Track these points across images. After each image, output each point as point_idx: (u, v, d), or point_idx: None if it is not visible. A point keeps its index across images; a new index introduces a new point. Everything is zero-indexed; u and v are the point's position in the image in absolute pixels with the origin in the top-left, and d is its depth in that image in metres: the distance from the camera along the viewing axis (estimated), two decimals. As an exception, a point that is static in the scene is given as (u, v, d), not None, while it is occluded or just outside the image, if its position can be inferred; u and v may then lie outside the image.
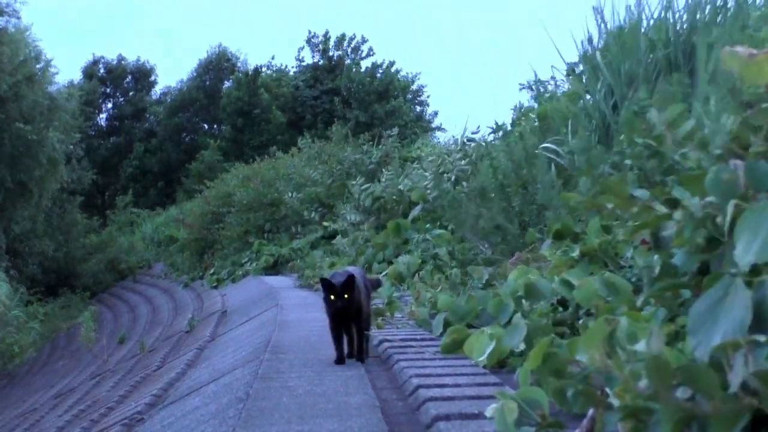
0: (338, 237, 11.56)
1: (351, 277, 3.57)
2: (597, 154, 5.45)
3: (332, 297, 3.55)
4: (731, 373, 1.23)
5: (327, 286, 3.58)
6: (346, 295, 3.55)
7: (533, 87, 9.21)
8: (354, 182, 12.21)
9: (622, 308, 1.88)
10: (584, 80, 7.39)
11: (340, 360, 3.67)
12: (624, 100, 6.16)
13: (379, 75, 36.15)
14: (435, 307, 4.97)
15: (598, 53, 6.63)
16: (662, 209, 1.75)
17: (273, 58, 47.27)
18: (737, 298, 1.31)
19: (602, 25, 7.18)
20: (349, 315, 3.62)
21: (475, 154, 10.15)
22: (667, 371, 1.29)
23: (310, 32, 38.44)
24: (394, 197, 11.05)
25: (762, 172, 1.43)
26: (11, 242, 23.18)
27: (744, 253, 1.33)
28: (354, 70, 36.71)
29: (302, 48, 38.89)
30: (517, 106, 9.41)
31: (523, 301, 3.47)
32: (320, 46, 37.95)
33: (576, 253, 3.64)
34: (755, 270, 1.37)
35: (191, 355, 6.07)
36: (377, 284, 4.85)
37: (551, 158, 6.42)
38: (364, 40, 38.40)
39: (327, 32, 38.26)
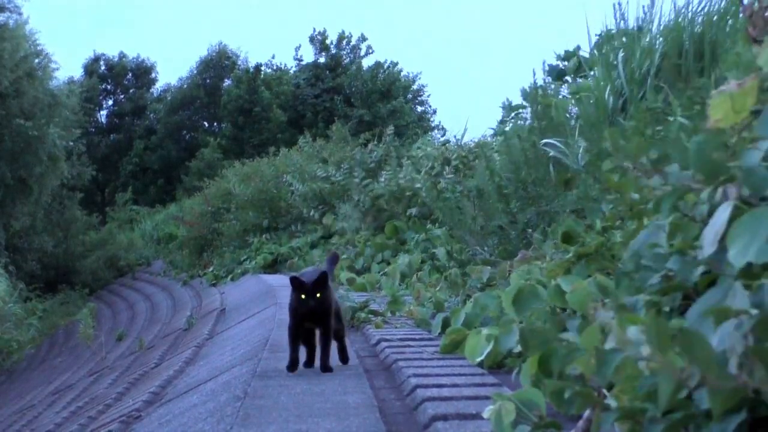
0: (336, 237, 11.57)
1: (324, 275, 3.33)
2: (605, 145, 5.43)
3: (302, 296, 3.33)
4: (730, 353, 1.24)
5: (297, 285, 3.35)
6: (318, 294, 3.31)
7: (532, 90, 9.21)
8: (355, 179, 12.20)
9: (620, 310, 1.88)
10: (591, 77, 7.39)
11: (294, 365, 3.39)
12: (633, 101, 6.17)
13: (381, 75, 36.14)
14: (435, 307, 4.98)
15: (620, 52, 6.62)
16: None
17: (273, 57, 47.25)
18: (736, 302, 1.32)
19: (621, 23, 7.18)
20: (316, 317, 3.36)
21: (473, 154, 10.18)
22: (667, 335, 1.29)
23: (314, 30, 38.46)
24: (394, 195, 11.05)
25: (759, 178, 1.43)
26: (10, 238, 23.17)
27: (741, 254, 1.33)
28: (358, 68, 36.73)
29: (299, 47, 38.90)
30: (506, 103, 9.35)
31: (520, 303, 3.47)
32: (322, 44, 37.93)
33: (571, 256, 3.64)
34: (754, 274, 1.37)
35: (189, 353, 6.07)
36: (335, 259, 4.14)
37: (552, 157, 6.42)
38: (363, 39, 38.41)
39: (324, 30, 38.29)
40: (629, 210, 1.75)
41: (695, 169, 1.54)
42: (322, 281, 3.32)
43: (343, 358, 3.59)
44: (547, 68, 8.52)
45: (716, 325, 1.29)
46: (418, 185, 10.39)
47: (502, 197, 6.37)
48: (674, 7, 6.79)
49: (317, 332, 3.44)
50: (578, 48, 8.51)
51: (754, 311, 1.28)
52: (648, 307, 1.77)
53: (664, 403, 1.28)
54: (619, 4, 7.20)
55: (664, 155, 1.65)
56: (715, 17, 6.26)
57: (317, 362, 3.45)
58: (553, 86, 8.39)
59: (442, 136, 25.45)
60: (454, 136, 13.89)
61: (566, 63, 8.53)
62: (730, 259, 1.33)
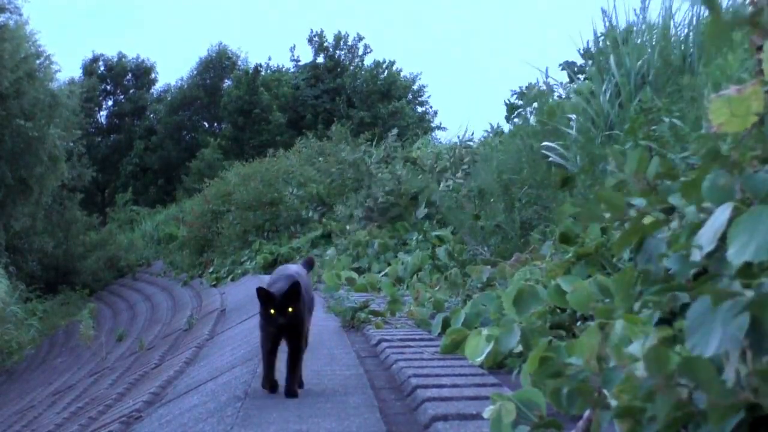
0: (336, 236, 11.57)
1: (295, 285, 2.93)
2: (599, 151, 5.47)
3: (272, 311, 2.92)
4: (727, 367, 1.25)
5: (265, 297, 2.94)
6: (289, 309, 2.91)
7: (525, 92, 9.22)
8: (373, 172, 12.22)
9: (619, 311, 1.89)
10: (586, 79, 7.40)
11: (272, 385, 3.03)
12: (631, 102, 6.18)
13: (382, 75, 36.15)
14: (435, 307, 4.99)
15: (612, 55, 6.63)
16: (659, 216, 1.76)
17: (270, 59, 47.32)
18: (735, 302, 1.32)
19: (609, 26, 7.20)
20: (286, 334, 2.97)
21: (475, 155, 10.20)
22: (666, 361, 1.30)
23: (312, 31, 38.46)
24: (396, 194, 11.07)
25: (758, 182, 1.44)
26: (11, 239, 23.17)
27: (739, 254, 1.34)
28: (358, 68, 36.77)
29: (293, 48, 38.93)
30: (507, 102, 9.36)
31: (520, 304, 3.48)
32: (323, 45, 37.93)
33: (571, 256, 3.65)
34: (753, 273, 1.38)
35: (190, 354, 6.08)
36: (310, 264, 3.71)
37: (552, 159, 6.45)
38: (360, 38, 38.40)
39: (321, 31, 38.28)
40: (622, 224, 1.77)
41: (709, 201, 1.55)
42: (293, 293, 2.93)
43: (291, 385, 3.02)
44: (562, 64, 8.50)
45: (714, 305, 1.30)
46: (424, 185, 10.39)
47: (506, 197, 6.39)
48: (665, 9, 6.81)
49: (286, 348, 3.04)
50: (588, 49, 8.51)
51: (750, 293, 1.29)
52: (647, 307, 1.78)
53: (662, 423, 1.29)
54: (604, 11, 7.23)
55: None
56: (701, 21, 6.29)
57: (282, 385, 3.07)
58: (563, 82, 8.40)
59: (444, 137, 25.51)
60: (457, 136, 13.91)
61: (585, 62, 8.51)
62: (729, 257, 1.34)
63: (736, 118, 1.50)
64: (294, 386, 2.98)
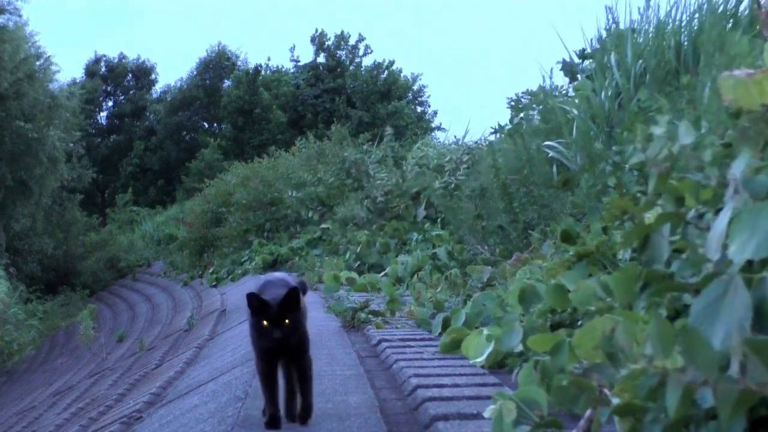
0: (334, 233, 11.56)
1: (293, 291, 2.41)
2: (598, 151, 5.47)
3: (265, 323, 2.42)
4: (732, 360, 1.24)
5: (257, 306, 2.42)
6: (286, 320, 2.40)
7: (522, 100, 9.18)
8: (370, 173, 12.21)
9: (619, 309, 1.89)
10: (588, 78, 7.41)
11: (273, 420, 2.46)
12: (630, 101, 6.19)
13: (382, 75, 36.16)
14: (435, 307, 4.98)
15: (613, 53, 6.63)
16: (667, 207, 1.75)
17: (269, 59, 47.33)
18: (737, 297, 1.31)
19: (613, 25, 7.21)
20: (288, 348, 2.47)
21: (475, 155, 10.20)
22: (670, 336, 1.29)
23: (316, 30, 38.43)
24: (395, 194, 11.07)
25: (758, 184, 1.44)
26: (11, 240, 23.17)
27: (740, 251, 1.34)
28: (358, 69, 36.79)
29: (293, 48, 38.94)
30: (511, 100, 9.32)
31: (524, 301, 3.47)
32: (323, 44, 37.94)
33: (571, 255, 3.64)
34: (754, 271, 1.37)
35: (190, 354, 6.07)
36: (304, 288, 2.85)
37: (553, 157, 6.45)
38: (361, 38, 38.41)
39: (323, 31, 38.30)
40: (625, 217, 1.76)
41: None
42: (291, 300, 2.41)
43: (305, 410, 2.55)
44: (560, 64, 8.47)
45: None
46: (436, 183, 10.38)
47: (506, 196, 6.39)
48: (668, 6, 6.82)
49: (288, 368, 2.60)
50: (595, 48, 8.50)
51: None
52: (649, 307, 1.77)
53: (673, 412, 1.28)
54: (610, 8, 7.24)
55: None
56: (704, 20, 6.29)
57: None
58: (563, 85, 8.41)
59: (444, 137, 25.50)
60: (455, 137, 13.94)
61: (581, 62, 8.52)
62: (730, 255, 1.34)
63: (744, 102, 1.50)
64: (308, 411, 2.53)
